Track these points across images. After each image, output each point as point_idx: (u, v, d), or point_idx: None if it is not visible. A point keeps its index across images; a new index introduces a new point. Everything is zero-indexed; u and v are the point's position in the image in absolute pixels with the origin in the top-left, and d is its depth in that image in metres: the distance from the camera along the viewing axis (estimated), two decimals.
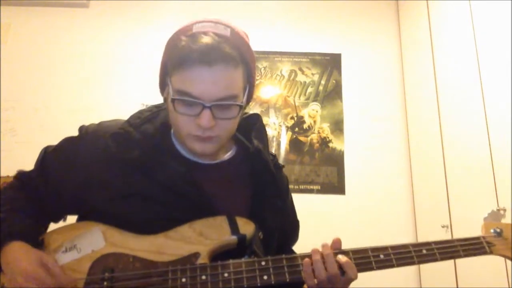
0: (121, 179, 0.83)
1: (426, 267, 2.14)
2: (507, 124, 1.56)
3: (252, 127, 0.97)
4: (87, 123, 0.96)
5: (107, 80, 2.50)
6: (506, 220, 1.41)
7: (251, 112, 1.01)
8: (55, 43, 2.56)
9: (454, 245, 0.85)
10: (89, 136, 0.90)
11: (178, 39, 0.82)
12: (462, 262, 1.80)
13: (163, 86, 0.88)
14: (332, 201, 2.32)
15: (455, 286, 1.81)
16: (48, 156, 0.92)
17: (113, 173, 0.84)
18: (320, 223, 2.18)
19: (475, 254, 0.86)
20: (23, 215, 0.84)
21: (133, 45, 2.58)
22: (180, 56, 0.79)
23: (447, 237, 1.86)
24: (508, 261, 1.48)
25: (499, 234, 0.89)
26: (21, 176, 0.93)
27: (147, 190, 0.83)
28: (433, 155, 2.09)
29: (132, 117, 0.92)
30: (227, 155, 0.95)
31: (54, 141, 0.94)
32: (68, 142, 0.93)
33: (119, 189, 0.83)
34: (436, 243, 0.85)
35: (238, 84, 0.83)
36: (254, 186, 0.92)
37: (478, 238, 0.88)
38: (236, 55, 0.81)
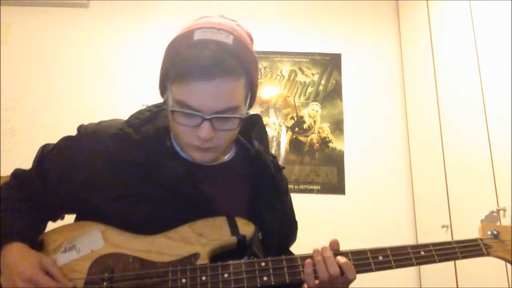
0: (121, 180, 0.83)
1: (426, 267, 2.14)
2: (507, 124, 1.56)
3: (252, 128, 0.97)
4: (87, 123, 0.96)
5: (107, 80, 2.50)
6: (506, 221, 1.42)
7: (251, 112, 1.00)
8: (55, 43, 2.56)
9: (452, 247, 0.86)
10: (88, 136, 0.90)
11: (180, 48, 0.80)
12: (462, 262, 1.80)
13: (163, 89, 0.87)
14: (332, 201, 2.32)
15: (455, 286, 1.81)
16: (46, 155, 0.91)
17: (113, 174, 0.84)
18: (320, 223, 2.18)
19: (472, 256, 0.86)
20: (22, 215, 0.84)
21: (133, 45, 2.58)
22: (180, 68, 0.78)
23: (447, 237, 1.86)
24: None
25: (496, 236, 0.89)
26: (18, 175, 0.92)
27: (147, 191, 0.83)
28: (433, 155, 2.09)
29: (131, 117, 0.91)
30: (227, 157, 0.94)
31: (54, 141, 0.94)
32: (67, 141, 0.92)
33: (119, 189, 0.83)
34: (434, 244, 0.85)
35: (239, 95, 0.81)
36: (253, 187, 0.92)
37: (475, 240, 0.88)
38: (238, 66, 0.80)
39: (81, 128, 0.93)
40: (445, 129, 2.01)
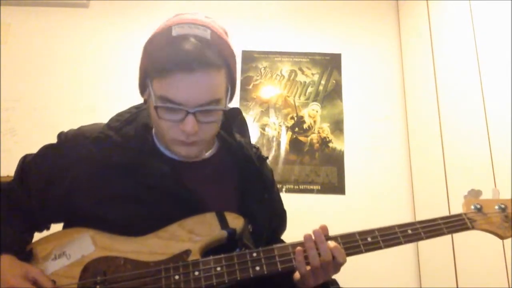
0: (107, 183, 0.83)
1: (426, 267, 2.14)
2: (507, 124, 1.56)
3: (233, 121, 0.98)
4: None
5: (107, 80, 2.50)
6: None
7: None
8: (55, 43, 2.56)
9: (438, 223, 0.88)
10: (69, 143, 0.90)
11: (158, 45, 0.81)
12: (462, 261, 1.80)
13: (143, 87, 0.88)
14: (332, 201, 2.31)
15: (455, 286, 1.81)
16: (28, 165, 0.91)
17: (97, 178, 0.84)
18: (320, 223, 2.16)
19: (458, 231, 0.89)
20: (7, 227, 0.83)
21: (133, 45, 2.56)
22: (160, 64, 0.79)
23: (448, 236, 1.86)
24: (508, 261, 1.48)
25: (479, 210, 0.92)
26: (0, 187, 0.90)
27: (134, 192, 0.83)
28: (433, 155, 2.09)
29: (111, 120, 0.92)
30: (209, 152, 0.95)
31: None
32: (48, 150, 0.92)
33: (105, 193, 0.83)
34: (420, 222, 0.88)
35: (220, 87, 0.83)
36: (239, 180, 0.93)
37: (460, 215, 0.91)
38: (218, 59, 0.81)
39: (61, 135, 0.92)
40: (445, 129, 2.01)
